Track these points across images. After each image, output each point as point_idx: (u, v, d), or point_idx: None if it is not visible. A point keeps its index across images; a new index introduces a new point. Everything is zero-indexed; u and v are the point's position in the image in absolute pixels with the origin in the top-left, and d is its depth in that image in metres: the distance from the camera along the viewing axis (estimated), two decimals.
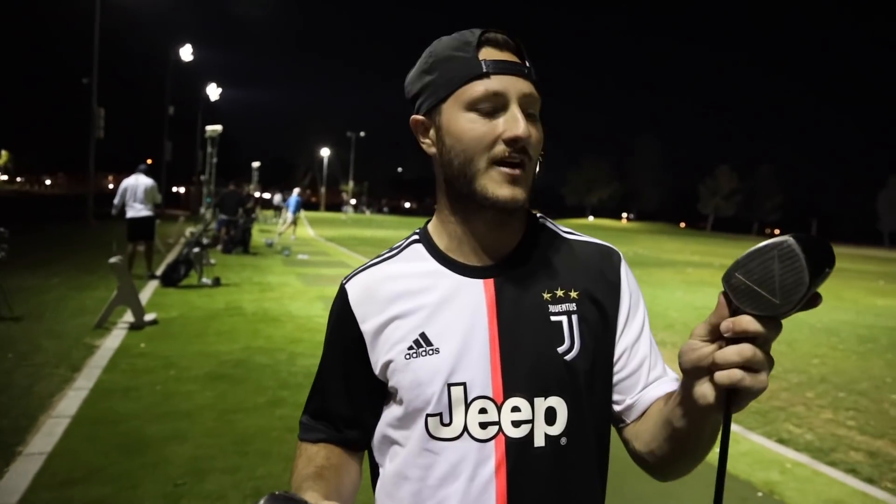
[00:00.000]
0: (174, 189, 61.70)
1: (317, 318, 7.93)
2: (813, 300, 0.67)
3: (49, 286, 9.00)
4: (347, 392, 1.03)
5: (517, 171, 0.90)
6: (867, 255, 45.03)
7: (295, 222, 21.92)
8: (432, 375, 0.93)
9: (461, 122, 0.91)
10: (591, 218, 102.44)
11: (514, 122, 0.89)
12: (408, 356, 0.95)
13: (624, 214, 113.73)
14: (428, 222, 1.07)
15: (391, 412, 1.00)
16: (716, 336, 0.73)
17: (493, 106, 0.90)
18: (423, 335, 0.95)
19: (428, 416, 0.94)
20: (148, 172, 10.82)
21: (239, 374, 5.38)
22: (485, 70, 0.90)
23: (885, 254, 55.14)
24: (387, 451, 1.02)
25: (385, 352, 0.97)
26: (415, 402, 0.94)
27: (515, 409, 0.92)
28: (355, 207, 74.21)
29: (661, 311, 10.37)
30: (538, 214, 1.06)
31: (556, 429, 0.93)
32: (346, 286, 1.04)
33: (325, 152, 78.44)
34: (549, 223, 1.06)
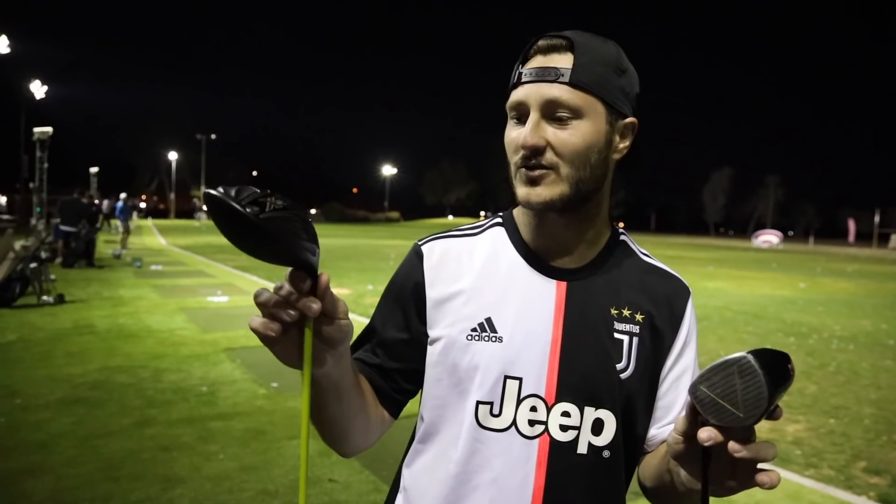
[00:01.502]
0: None
1: (180, 332, 7.50)
2: (774, 412, 0.70)
3: None
4: (395, 341, 1.02)
5: (534, 173, 0.92)
6: (697, 244, 50.23)
7: (127, 230, 20.21)
8: (490, 362, 0.94)
9: (506, 130, 0.97)
10: (450, 217, 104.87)
11: (523, 131, 0.92)
12: (470, 337, 0.95)
13: (482, 213, 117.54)
14: (513, 208, 1.07)
15: (440, 389, 0.98)
16: (689, 436, 0.75)
17: (519, 114, 0.94)
18: (488, 320, 0.96)
19: (479, 402, 0.94)
20: None
21: (98, 397, 4.97)
22: (516, 81, 0.94)
23: (711, 241, 61.80)
24: (429, 429, 1.01)
25: (446, 325, 0.97)
26: (467, 384, 0.95)
27: (565, 413, 0.93)
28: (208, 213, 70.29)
29: None
30: (621, 229, 1.07)
31: (601, 440, 0.95)
32: (423, 247, 1.04)
33: (172, 156, 73.68)
34: (629, 241, 1.07)
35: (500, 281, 0.99)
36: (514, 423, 0.94)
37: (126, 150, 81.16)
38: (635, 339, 0.98)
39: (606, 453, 0.95)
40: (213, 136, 75.77)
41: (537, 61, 0.93)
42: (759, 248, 46.78)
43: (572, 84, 0.91)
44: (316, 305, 0.69)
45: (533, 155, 0.91)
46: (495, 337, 0.95)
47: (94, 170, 29.39)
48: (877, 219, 67.27)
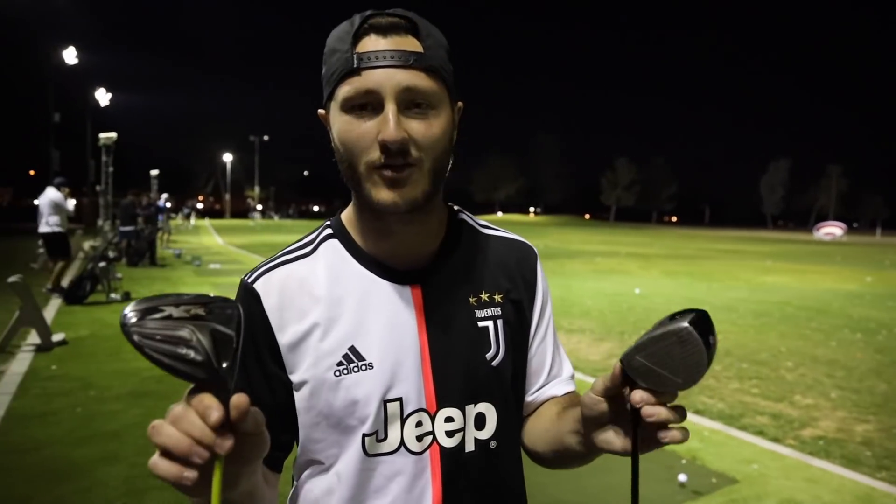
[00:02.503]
0: None
1: None
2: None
3: None
4: (264, 405, 0.88)
5: (402, 174, 0.82)
6: (754, 237, 48.61)
7: (167, 231, 20.83)
8: (368, 393, 0.88)
9: (339, 125, 0.84)
10: (499, 213, 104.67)
11: (384, 124, 0.80)
12: (338, 373, 0.88)
13: (531, 209, 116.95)
14: (340, 212, 0.99)
15: (316, 431, 0.91)
16: (611, 396, 0.78)
17: (367, 105, 0.82)
18: (352, 349, 0.88)
19: (365, 435, 0.89)
20: (63, 185, 10.34)
21: (164, 390, 5.19)
22: (356, 65, 0.81)
23: (769, 235, 59.74)
24: (310, 470, 0.95)
25: (308, 366, 0.89)
26: (348, 420, 0.89)
27: (449, 419, 0.91)
28: (262, 213, 72.26)
29: (577, 299, 10.81)
30: (455, 208, 1.02)
31: (486, 433, 0.93)
32: (257, 287, 0.91)
33: (227, 157, 75.82)
34: (468, 217, 1.03)
35: (352, 302, 0.90)
36: (401, 443, 0.89)
37: (184, 153, 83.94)
38: (499, 322, 0.96)
39: (493, 444, 0.94)
40: (266, 138, 77.60)
41: (380, 42, 0.82)
42: (822, 241, 45.03)
43: (425, 70, 0.82)
44: (228, 443, 0.58)
45: (399, 153, 0.81)
46: (364, 365, 0.88)
47: (154, 172, 30.47)
48: None
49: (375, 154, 0.81)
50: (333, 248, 0.95)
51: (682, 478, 3.66)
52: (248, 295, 0.91)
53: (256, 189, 79.59)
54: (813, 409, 5.13)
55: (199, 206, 69.69)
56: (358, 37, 0.82)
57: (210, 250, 20.92)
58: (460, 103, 0.92)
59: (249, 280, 0.93)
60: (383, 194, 0.83)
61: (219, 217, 66.27)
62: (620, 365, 0.75)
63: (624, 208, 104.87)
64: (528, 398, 1.02)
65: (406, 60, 0.81)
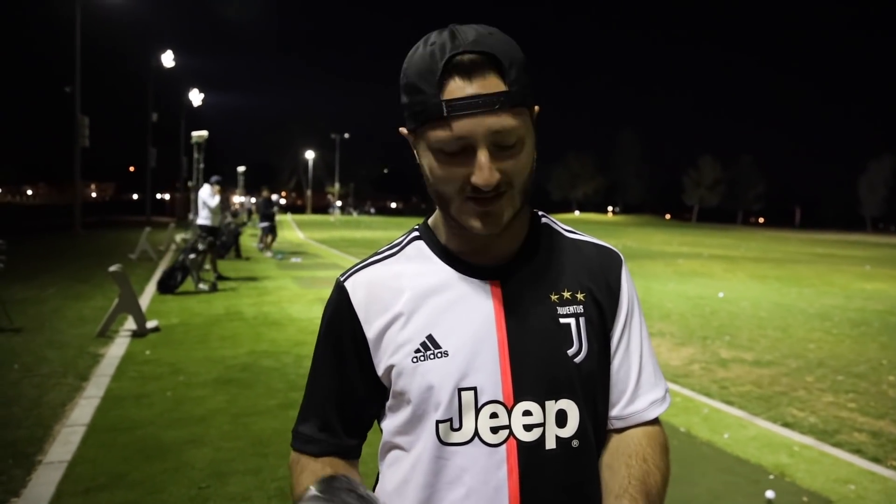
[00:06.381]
0: (158, 196, 61.18)
1: (317, 321, 7.73)
2: None
3: (45, 297, 8.94)
4: (348, 397, 0.99)
5: (491, 207, 0.86)
6: (851, 241, 45.66)
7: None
8: (442, 379, 0.90)
9: (430, 160, 0.87)
10: (577, 212, 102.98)
11: (479, 171, 0.83)
12: (415, 359, 0.92)
13: (609, 208, 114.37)
14: (428, 218, 1.03)
15: (397, 417, 0.96)
16: None
17: (458, 149, 0.84)
18: (430, 337, 0.92)
19: (438, 422, 0.91)
20: (216, 183, 11.52)
21: (247, 378, 5.39)
22: (446, 114, 0.82)
23: (869, 238, 55.94)
24: (390, 457, 0.99)
25: (390, 354, 0.94)
26: (424, 406, 0.91)
27: (527, 412, 0.91)
28: (342, 209, 74.04)
29: (657, 302, 10.47)
30: (539, 213, 1.05)
31: (568, 431, 0.92)
32: (346, 284, 0.98)
33: (309, 155, 78.16)
34: (551, 221, 1.05)
35: (433, 295, 0.94)
36: (476, 433, 0.90)
37: (268, 150, 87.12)
38: (582, 320, 0.96)
39: (576, 443, 0.93)
40: (347, 136, 79.47)
41: (464, 87, 0.82)
42: None
43: (512, 108, 0.84)
44: None
45: (494, 191, 0.85)
46: (440, 352, 0.91)
47: (241, 169, 31.83)
48: None
49: (468, 190, 0.86)
50: (418, 248, 1.00)
51: (769, 494, 3.46)
52: (339, 292, 0.99)
53: (337, 185, 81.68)
54: None
55: (283, 201, 72.23)
56: (442, 79, 0.83)
57: (291, 244, 21.62)
58: (537, 108, 0.91)
59: (342, 279, 1.00)
60: (476, 223, 0.88)
61: (300, 213, 68.44)
62: None
63: (707, 208, 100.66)
64: (613, 412, 0.99)
65: (493, 104, 0.82)
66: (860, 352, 7.28)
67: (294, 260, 15.90)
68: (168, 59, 34.55)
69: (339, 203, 79.12)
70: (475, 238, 0.93)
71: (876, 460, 4.10)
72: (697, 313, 9.49)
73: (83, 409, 4.50)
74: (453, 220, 0.92)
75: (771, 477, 3.74)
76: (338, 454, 0.99)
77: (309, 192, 78.81)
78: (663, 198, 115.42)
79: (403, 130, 0.93)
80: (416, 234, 1.02)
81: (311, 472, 0.96)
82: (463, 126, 0.82)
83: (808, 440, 4.40)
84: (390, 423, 0.97)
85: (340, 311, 0.97)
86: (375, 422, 1.04)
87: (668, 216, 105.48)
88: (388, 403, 0.98)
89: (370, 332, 0.95)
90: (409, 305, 0.94)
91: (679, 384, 5.70)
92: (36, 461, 3.64)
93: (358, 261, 1.04)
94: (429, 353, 0.91)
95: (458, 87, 0.82)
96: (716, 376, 6.01)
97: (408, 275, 0.96)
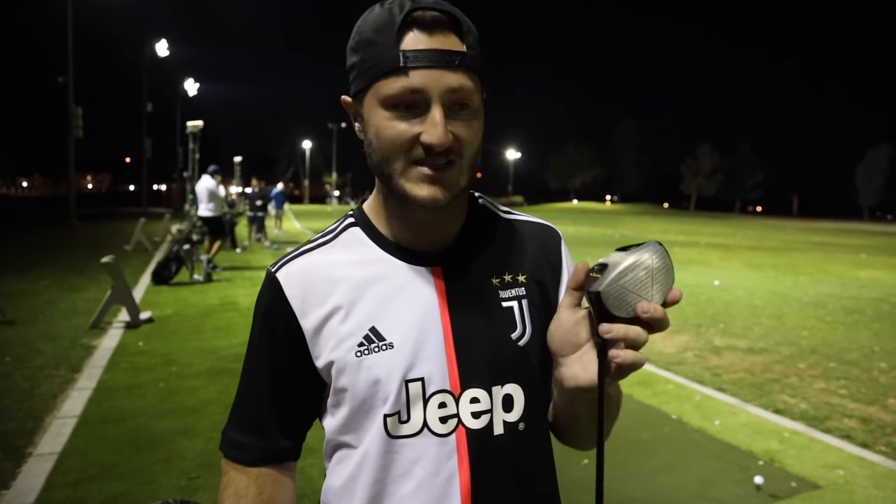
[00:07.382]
0: (154, 187, 61.04)
1: None
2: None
3: (38, 289, 8.92)
4: (283, 396, 0.94)
5: (443, 173, 0.83)
6: (848, 229, 45.73)
7: (280, 216, 21.79)
8: (388, 372, 0.87)
9: (378, 119, 0.84)
10: (575, 201, 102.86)
11: (432, 127, 0.80)
12: (359, 353, 0.88)
13: (608, 197, 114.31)
14: (362, 202, 1.00)
15: (340, 414, 0.92)
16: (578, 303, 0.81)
17: (412, 103, 0.81)
18: (373, 329, 0.89)
19: (386, 415, 0.88)
20: (216, 173, 11.49)
21: (239, 369, 5.36)
22: (403, 64, 0.80)
23: (865, 227, 56.05)
24: (337, 456, 0.96)
25: (331, 349, 0.90)
26: (370, 401, 0.89)
27: (474, 399, 0.89)
28: (339, 199, 73.86)
29: None
30: (476, 194, 1.03)
31: (514, 415, 0.92)
32: (278, 276, 0.93)
33: (306, 145, 77.90)
34: (489, 203, 1.03)
35: (373, 284, 0.91)
36: (425, 424, 0.88)
37: (265, 140, 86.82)
38: (524, 302, 0.95)
39: (522, 426, 0.92)
40: (344, 125, 79.06)
41: (424, 41, 0.80)
42: None
43: (468, 70, 0.82)
44: None
45: (443, 153, 0.82)
46: (385, 345, 0.88)
47: (237, 159, 31.68)
48: None
49: (417, 151, 0.82)
50: (354, 235, 0.96)
51: (758, 480, 3.48)
52: (271, 284, 0.94)
53: (334, 175, 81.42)
54: None
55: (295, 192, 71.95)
56: (401, 31, 0.81)
57: (288, 234, 21.60)
58: (485, 94, 0.90)
59: (273, 270, 0.95)
60: (423, 191, 0.84)
61: (298, 202, 68.30)
62: (594, 294, 0.75)
63: (705, 197, 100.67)
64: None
65: (452, 61, 0.81)
66: (853, 339, 7.31)
67: (289, 249, 15.83)
68: (163, 48, 34.35)
69: (336, 193, 78.88)
70: (415, 222, 0.91)
71: (865, 446, 4.12)
72: (692, 301, 9.51)
73: (75, 401, 4.50)
74: (395, 196, 0.88)
75: (760, 463, 3.76)
76: (270, 460, 0.95)
77: (306, 182, 78.56)
78: (661, 187, 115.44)
79: (347, 98, 0.91)
80: (351, 220, 0.99)
81: (234, 490, 0.94)
82: (419, 78, 0.80)
83: (799, 426, 4.42)
84: (333, 420, 0.94)
85: (273, 305, 0.92)
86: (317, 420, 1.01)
87: (665, 205, 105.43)
88: (330, 401, 0.94)
89: (307, 324, 0.90)
90: (348, 296, 0.90)
91: (672, 371, 5.72)
92: (26, 453, 3.65)
93: (290, 249, 0.99)
94: (373, 346, 0.88)
95: (417, 40, 0.80)
96: (709, 364, 6.03)
97: (344, 263, 0.93)
